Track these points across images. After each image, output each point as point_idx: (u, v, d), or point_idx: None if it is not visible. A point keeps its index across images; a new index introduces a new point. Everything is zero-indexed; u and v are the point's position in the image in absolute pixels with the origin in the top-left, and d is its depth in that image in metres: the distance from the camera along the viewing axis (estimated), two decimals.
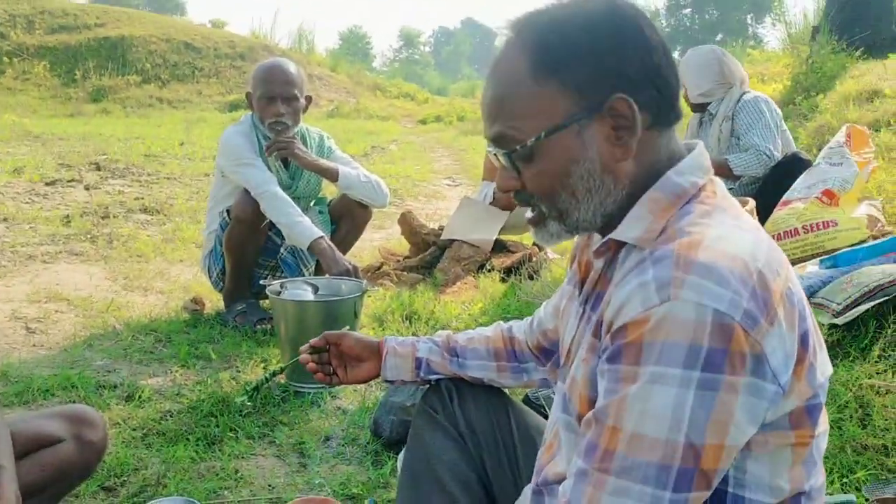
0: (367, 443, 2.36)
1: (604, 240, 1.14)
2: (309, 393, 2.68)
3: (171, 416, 2.48)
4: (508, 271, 3.95)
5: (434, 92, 24.78)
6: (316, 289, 2.84)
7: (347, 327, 1.83)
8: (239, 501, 2.03)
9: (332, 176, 3.36)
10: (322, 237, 3.07)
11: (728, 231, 1.03)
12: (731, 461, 0.98)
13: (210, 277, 3.50)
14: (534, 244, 4.54)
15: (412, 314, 3.39)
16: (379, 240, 5.06)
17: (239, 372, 2.84)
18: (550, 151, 1.09)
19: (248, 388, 2.56)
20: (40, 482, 1.69)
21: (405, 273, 4.06)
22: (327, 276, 3.02)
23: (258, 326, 3.27)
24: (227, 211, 3.30)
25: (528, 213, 1.21)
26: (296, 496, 2.01)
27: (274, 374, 2.60)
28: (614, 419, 0.97)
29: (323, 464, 2.24)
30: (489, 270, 3.94)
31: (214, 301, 3.62)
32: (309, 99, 3.41)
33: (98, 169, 7.03)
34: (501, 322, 1.68)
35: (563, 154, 1.09)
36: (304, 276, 3.36)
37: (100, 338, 3.13)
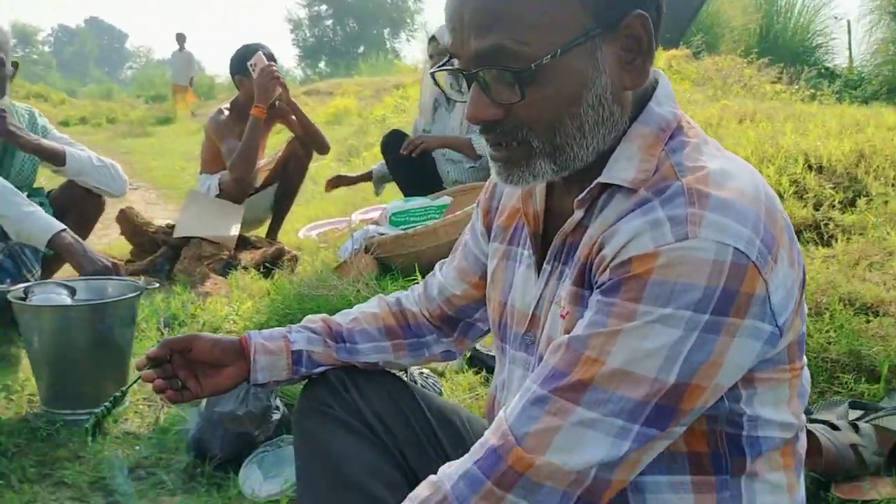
0: (189, 466, 1.96)
1: (590, 186, 1.02)
2: (82, 419, 2.16)
3: None
4: (263, 266, 3.63)
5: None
6: (73, 291, 2.30)
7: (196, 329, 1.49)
8: None
9: (59, 159, 2.78)
10: (65, 230, 2.51)
11: (727, 164, 0.98)
12: (708, 403, 0.94)
13: None
14: (268, 236, 4.27)
15: (171, 319, 2.94)
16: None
17: None
18: (562, 72, 0.94)
19: (87, 426, 2.01)
20: None
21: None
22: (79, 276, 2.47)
23: None
24: None
25: (495, 152, 1.03)
26: None
27: (116, 400, 2.10)
28: (597, 352, 0.89)
29: (142, 497, 1.81)
30: (244, 268, 3.58)
31: None
32: (16, 65, 2.79)
33: None
34: (382, 295, 1.50)
35: (575, 76, 0.95)
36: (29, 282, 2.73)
37: None
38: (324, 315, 1.44)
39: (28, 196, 2.91)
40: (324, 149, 4.22)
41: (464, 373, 2.38)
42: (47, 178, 3.40)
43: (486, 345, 2.38)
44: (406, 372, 2.17)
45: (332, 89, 13.81)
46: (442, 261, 1.48)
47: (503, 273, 1.24)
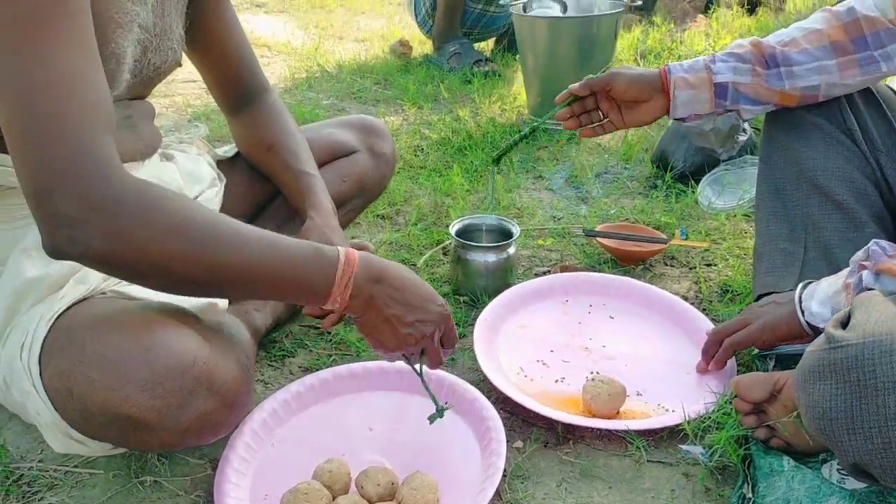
0: (651, 176, 2.07)
1: None
2: (561, 131, 2.39)
3: (422, 152, 2.27)
4: (747, 5, 3.42)
5: None
6: (564, 6, 2.46)
7: (608, 67, 1.43)
8: (532, 228, 1.82)
9: None
10: None
11: None
12: None
13: (417, 16, 3.18)
14: None
15: (647, 51, 2.98)
16: None
17: (477, 109, 2.57)
18: None
19: (503, 147, 2.31)
20: (342, 194, 1.52)
21: None
22: None
23: (477, 69, 2.96)
24: None
25: None
26: (597, 225, 1.78)
27: (523, 137, 2.29)
28: None
29: (605, 197, 1.99)
30: (727, 6, 3.41)
31: (416, 43, 3.32)
32: None
33: None
34: (829, 7, 1.27)
35: None
36: None
37: (317, 80, 2.92)
38: (755, 38, 1.29)
39: None
40: None
41: None
42: None
43: None
44: None
45: None
46: None
47: None
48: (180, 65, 1.24)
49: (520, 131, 2.41)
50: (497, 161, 2.02)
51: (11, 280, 1.05)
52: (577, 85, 1.32)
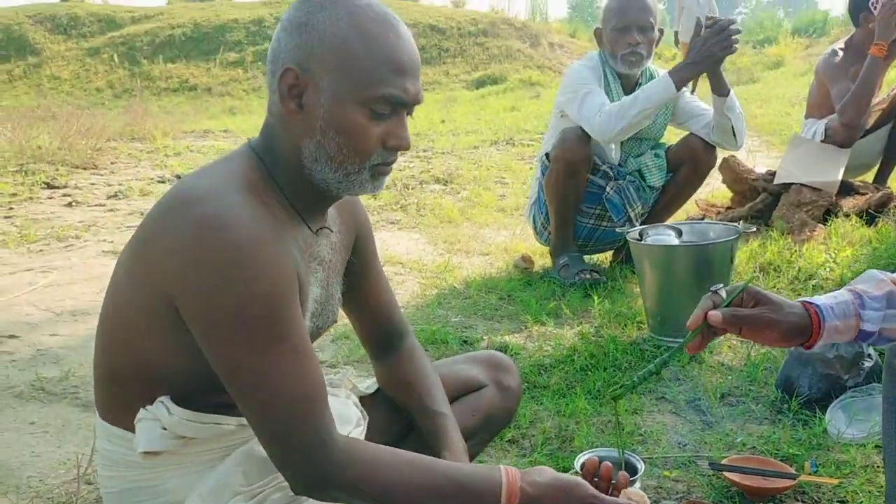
0: (776, 400, 2.08)
1: None
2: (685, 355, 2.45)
3: (545, 370, 2.38)
4: (866, 215, 3.45)
5: None
6: (679, 233, 2.60)
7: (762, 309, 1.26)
8: (657, 457, 1.85)
9: (725, 89, 3.02)
10: (670, 70, 2.91)
11: None
12: None
13: (535, 228, 3.40)
14: (875, 181, 3.97)
15: (767, 265, 3.04)
16: None
17: (597, 328, 2.68)
18: None
19: (625, 384, 2.39)
20: (471, 428, 1.63)
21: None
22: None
23: (578, 278, 3.10)
24: (547, 155, 3.17)
25: None
26: (723, 454, 1.79)
27: (646, 377, 2.34)
28: None
29: (731, 422, 2.00)
30: (846, 215, 3.46)
31: (537, 257, 3.52)
32: (661, 31, 3.17)
33: None
34: None
35: None
36: (630, 217, 3.15)
37: (446, 296, 3.13)
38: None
39: (652, 147, 3.31)
40: None
41: None
42: None
43: None
44: None
45: None
46: None
47: None
48: (336, 321, 1.43)
49: (639, 347, 2.49)
50: (617, 398, 2.08)
51: None
52: (718, 315, 1.16)
